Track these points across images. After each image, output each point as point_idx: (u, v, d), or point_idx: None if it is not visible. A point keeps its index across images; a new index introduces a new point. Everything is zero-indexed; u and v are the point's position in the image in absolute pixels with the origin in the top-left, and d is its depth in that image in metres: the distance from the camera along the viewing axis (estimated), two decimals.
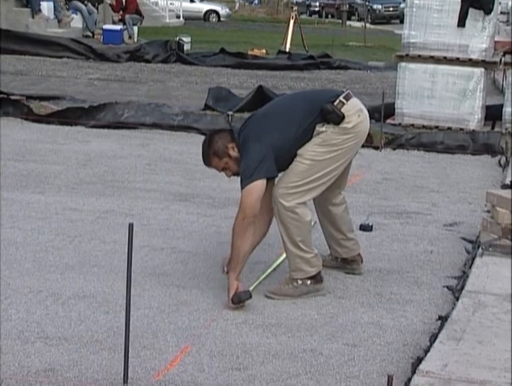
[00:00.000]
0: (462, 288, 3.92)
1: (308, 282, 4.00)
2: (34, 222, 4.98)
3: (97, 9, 18.49)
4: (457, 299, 3.78)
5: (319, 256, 4.09)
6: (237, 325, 3.63)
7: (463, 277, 4.20)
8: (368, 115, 4.15)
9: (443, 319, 3.57)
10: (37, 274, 4.11)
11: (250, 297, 3.81)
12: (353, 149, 4.10)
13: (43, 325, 3.52)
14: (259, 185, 3.84)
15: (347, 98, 3.99)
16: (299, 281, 4.00)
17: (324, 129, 3.97)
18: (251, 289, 3.93)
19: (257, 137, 3.95)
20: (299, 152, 3.98)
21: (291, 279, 4.03)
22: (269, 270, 4.33)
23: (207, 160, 4.18)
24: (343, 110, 3.95)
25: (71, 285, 3.99)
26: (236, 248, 3.92)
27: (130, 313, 3.02)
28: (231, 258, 3.93)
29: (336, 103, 3.95)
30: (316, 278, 4.03)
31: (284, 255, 4.21)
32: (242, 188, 3.87)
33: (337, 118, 3.94)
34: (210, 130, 8.02)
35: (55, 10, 17.30)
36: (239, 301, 3.77)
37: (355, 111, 4.01)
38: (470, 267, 4.27)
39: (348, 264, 4.37)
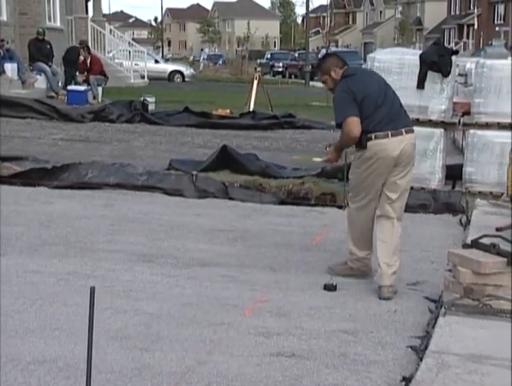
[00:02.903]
0: (426, 348, 3.93)
1: (353, 269, 5.41)
2: None
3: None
4: (421, 359, 3.78)
5: (369, 256, 5.40)
6: None
7: (426, 336, 4.21)
8: (393, 154, 5.11)
9: (408, 380, 3.56)
10: None
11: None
12: (369, 172, 5.17)
13: None
14: (352, 119, 5.11)
15: (380, 137, 5.08)
16: (347, 266, 5.44)
17: (352, 156, 5.38)
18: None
19: (352, 87, 5.14)
20: (350, 170, 5.38)
21: (345, 262, 5.48)
22: None
23: (315, 71, 5.68)
24: (368, 144, 5.09)
25: (31, 350, 3.92)
26: (343, 142, 5.30)
27: (92, 377, 2.97)
28: (338, 144, 5.39)
29: (369, 136, 5.07)
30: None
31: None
32: (338, 121, 5.22)
33: (360, 146, 5.13)
34: (175, 189, 8.19)
35: (18, 71, 17.33)
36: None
37: (373, 151, 5.09)
38: (433, 327, 4.28)
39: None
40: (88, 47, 18.84)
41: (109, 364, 3.78)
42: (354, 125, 5.08)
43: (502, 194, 7.84)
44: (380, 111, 5.12)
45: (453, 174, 8.61)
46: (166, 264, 5.61)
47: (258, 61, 47.03)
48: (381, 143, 5.08)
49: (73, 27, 24.50)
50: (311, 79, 34.41)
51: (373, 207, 5.28)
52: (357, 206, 5.33)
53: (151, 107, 15.57)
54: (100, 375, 3.61)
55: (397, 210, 5.24)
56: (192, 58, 68.25)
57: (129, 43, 28.19)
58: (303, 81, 34.83)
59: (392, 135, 5.09)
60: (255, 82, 17.27)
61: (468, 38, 68.19)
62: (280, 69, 46.48)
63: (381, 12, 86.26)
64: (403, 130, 5.15)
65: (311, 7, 55.73)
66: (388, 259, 5.16)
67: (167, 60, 44.71)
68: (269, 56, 52.38)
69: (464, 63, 17.27)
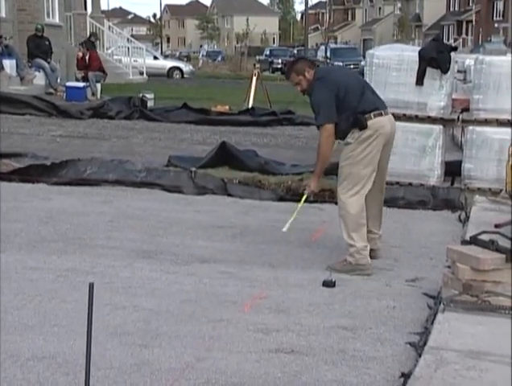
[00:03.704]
0: (424, 344, 3.93)
1: (353, 264, 5.43)
2: None
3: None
4: (420, 356, 3.78)
5: (367, 248, 5.48)
6: (200, 385, 3.58)
7: (425, 333, 4.21)
8: (388, 130, 5.58)
9: (406, 376, 3.56)
10: None
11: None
12: (369, 153, 5.44)
13: None
14: (331, 124, 5.45)
15: (377, 115, 5.47)
16: (346, 262, 5.46)
17: (350, 135, 5.43)
18: (285, 229, 5.74)
19: (331, 89, 5.43)
20: (341, 163, 5.51)
21: (344, 259, 5.49)
22: (294, 214, 5.74)
23: (288, 73, 5.68)
24: (368, 123, 5.41)
25: (30, 346, 3.92)
26: (322, 158, 5.51)
27: (91, 374, 2.97)
28: (317, 167, 5.58)
29: (367, 116, 5.41)
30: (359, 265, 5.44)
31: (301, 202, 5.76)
32: (319, 123, 5.52)
33: (362, 126, 5.39)
34: (174, 186, 8.20)
35: (17, 67, 17.29)
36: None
37: (374, 127, 5.43)
38: (432, 323, 4.28)
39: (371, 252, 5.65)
40: (93, 42, 18.85)
41: (108, 360, 3.78)
42: (332, 131, 5.46)
43: (501, 190, 7.83)
44: (366, 95, 5.56)
45: (452, 170, 8.61)
46: (165, 261, 5.61)
47: (257, 57, 47.02)
48: (380, 120, 5.51)
49: (72, 24, 24.46)
50: None
51: (365, 192, 5.52)
52: (351, 194, 5.49)
53: (150, 103, 15.56)
54: (99, 371, 3.61)
55: (384, 185, 5.87)
56: (178, 53, 67.22)
57: (127, 39, 28.16)
58: None
59: (384, 114, 5.58)
60: (254, 78, 17.25)
61: (467, 34, 68.18)
62: (279, 66, 46.37)
63: (380, 8, 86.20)
64: (387, 110, 5.68)
65: (310, 4, 55.81)
66: (380, 225, 5.84)
67: (165, 57, 44.68)
68: (268, 53, 52.31)
69: (463, 59, 17.26)
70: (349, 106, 5.43)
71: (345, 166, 5.50)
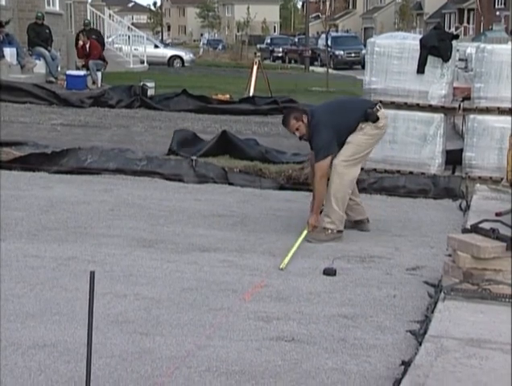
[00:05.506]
0: (425, 332, 3.93)
1: (335, 231, 5.94)
2: None
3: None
4: (420, 344, 3.79)
5: (344, 218, 6.05)
6: (201, 373, 3.59)
7: (426, 321, 4.22)
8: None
9: (407, 364, 3.57)
10: None
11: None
12: (377, 138, 6.17)
13: (1, 376, 3.44)
14: (327, 159, 5.92)
15: (380, 107, 6.12)
16: (329, 231, 5.92)
17: (364, 125, 6.00)
18: (282, 266, 5.21)
19: (327, 124, 5.93)
20: (349, 140, 6.00)
21: (323, 228, 5.94)
22: (294, 248, 5.54)
23: (287, 120, 6.09)
24: (378, 114, 6.03)
25: (31, 334, 3.92)
26: (319, 196, 5.94)
27: (92, 362, 2.97)
28: (315, 204, 5.98)
29: (374, 109, 6.03)
30: (339, 232, 5.98)
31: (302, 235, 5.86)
32: (317, 160, 5.90)
33: (375, 118, 6.00)
34: (175, 175, 8.20)
35: (18, 56, 17.26)
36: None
37: (384, 116, 6.13)
38: (433, 311, 4.29)
39: (358, 224, 6.30)
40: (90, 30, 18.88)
41: (109, 349, 3.79)
42: (326, 171, 5.90)
43: (502, 179, 7.84)
44: (353, 101, 6.64)
45: (453, 159, 8.61)
46: (165, 250, 5.61)
47: (258, 46, 46.91)
48: (384, 111, 6.18)
49: (72, 12, 24.39)
50: (311, 64, 34.39)
51: (359, 167, 6.14)
52: (348, 164, 5.98)
53: (151, 92, 15.51)
54: (100, 359, 3.62)
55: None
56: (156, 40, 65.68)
57: (128, 27, 28.06)
58: (303, 66, 34.73)
59: None
60: (255, 67, 17.22)
61: (468, 22, 67.91)
62: (280, 54, 46.36)
63: None
64: None
65: None
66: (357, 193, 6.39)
67: (166, 45, 44.52)
68: (269, 41, 52.19)
69: (465, 47, 17.26)
70: (348, 120, 5.99)
71: (353, 145, 6.00)
